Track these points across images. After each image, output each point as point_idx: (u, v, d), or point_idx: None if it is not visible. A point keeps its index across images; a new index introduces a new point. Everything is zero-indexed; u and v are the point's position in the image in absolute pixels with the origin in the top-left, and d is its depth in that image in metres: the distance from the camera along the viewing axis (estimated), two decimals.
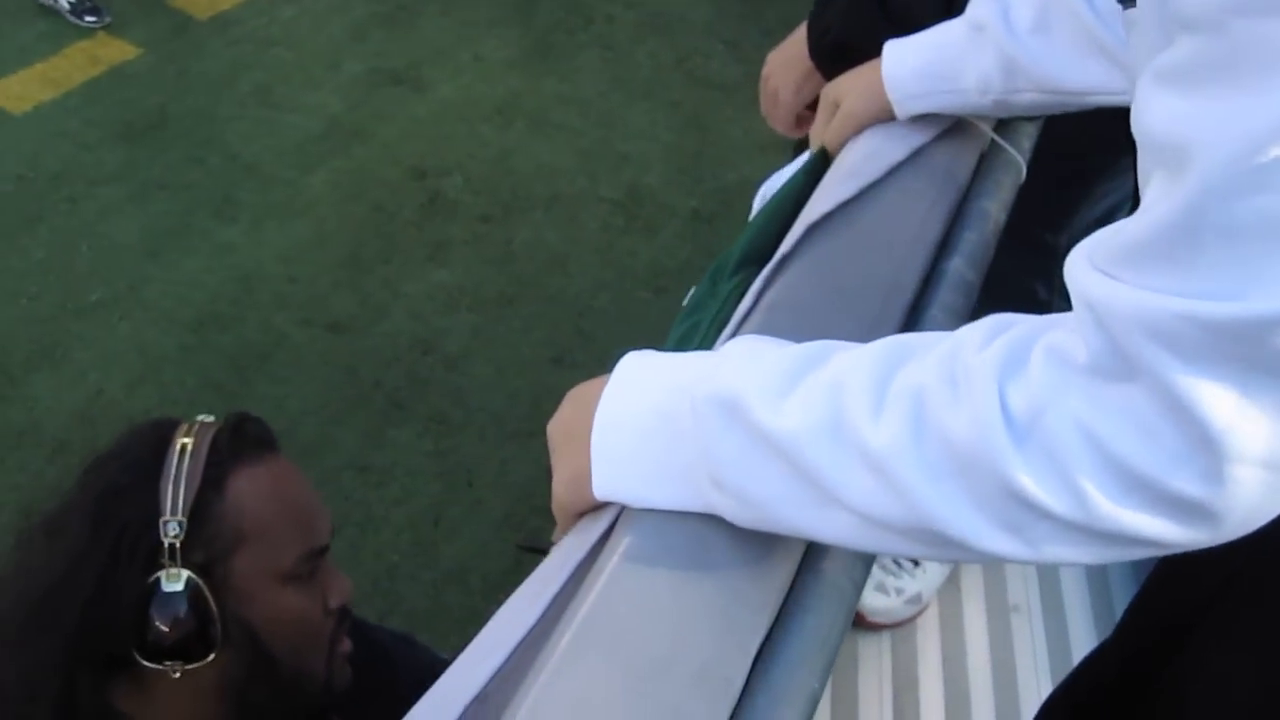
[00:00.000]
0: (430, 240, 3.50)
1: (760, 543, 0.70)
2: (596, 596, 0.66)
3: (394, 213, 3.58)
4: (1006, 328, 0.63)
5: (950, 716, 1.59)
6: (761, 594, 0.67)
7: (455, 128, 3.92)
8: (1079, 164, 1.29)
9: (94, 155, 3.68)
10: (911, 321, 0.88)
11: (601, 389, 0.79)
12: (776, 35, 1.61)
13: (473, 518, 2.81)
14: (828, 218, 0.92)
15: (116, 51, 4.08)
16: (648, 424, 0.72)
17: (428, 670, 1.36)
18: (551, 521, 3.15)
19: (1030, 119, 1.12)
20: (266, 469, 1.15)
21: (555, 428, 0.83)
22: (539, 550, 1.34)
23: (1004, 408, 0.58)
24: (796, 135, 1.53)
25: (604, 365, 3.09)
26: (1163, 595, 1.16)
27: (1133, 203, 1.64)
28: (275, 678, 1.13)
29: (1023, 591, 1.72)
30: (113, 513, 1.07)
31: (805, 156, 1.18)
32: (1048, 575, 1.75)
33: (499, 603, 2.95)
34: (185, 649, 1.07)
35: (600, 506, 0.79)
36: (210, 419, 1.17)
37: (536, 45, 4.35)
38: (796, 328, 0.83)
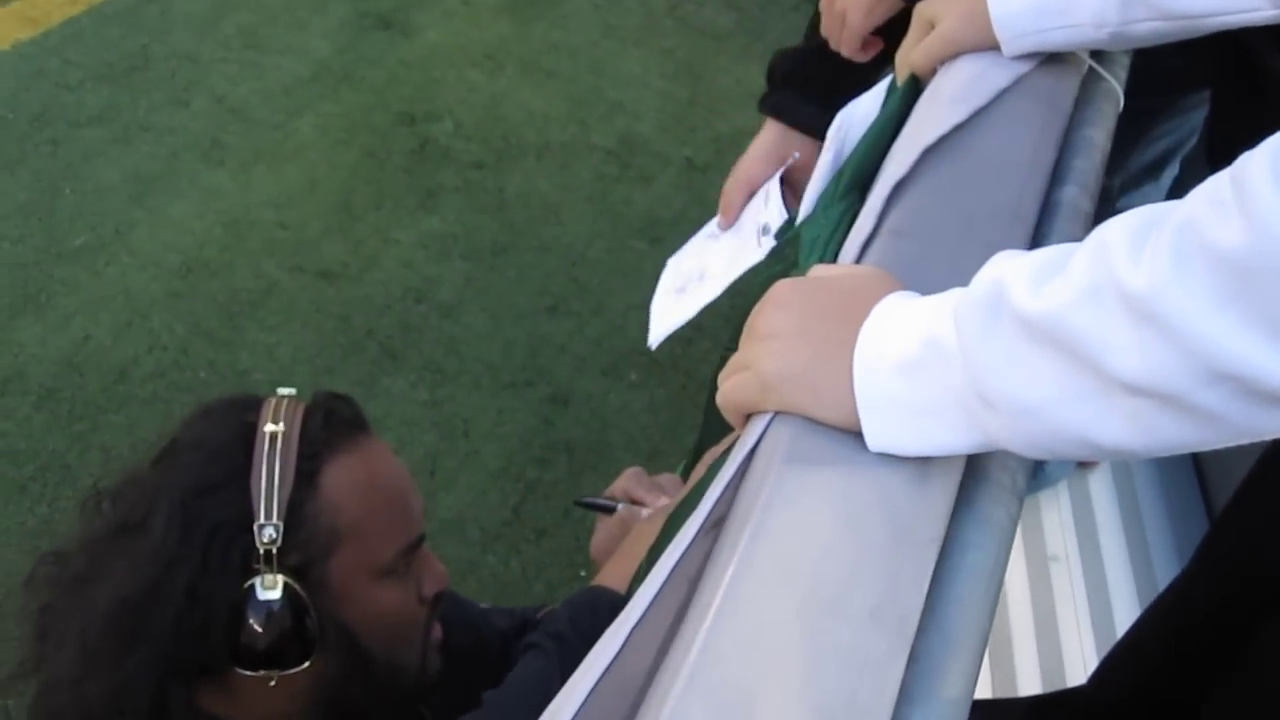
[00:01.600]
0: (421, 187, 3.44)
1: (919, 475, 0.66)
2: (756, 529, 0.62)
3: (384, 159, 3.51)
4: None
5: (993, 662, 1.57)
6: (928, 529, 0.64)
7: (445, 73, 3.85)
8: (1140, 103, 1.25)
9: (75, 96, 3.59)
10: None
11: (834, 301, 0.73)
12: None
13: (469, 468, 2.77)
14: (941, 141, 0.88)
15: None
16: (915, 355, 0.66)
17: (479, 622, 1.35)
18: (548, 471, 3.13)
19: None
20: (361, 457, 1.06)
21: (760, 324, 0.75)
22: (602, 508, 1.31)
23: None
24: (863, 59, 1.47)
25: (599, 315, 3.07)
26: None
27: (1203, 140, 1.61)
28: (371, 675, 1.07)
29: (1060, 542, 1.71)
30: (201, 514, 0.99)
31: (885, 82, 1.13)
32: (1085, 526, 1.73)
33: (496, 553, 2.94)
34: (281, 656, 1.01)
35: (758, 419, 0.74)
36: (293, 394, 1.08)
37: None
38: (924, 256, 0.79)
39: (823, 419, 0.69)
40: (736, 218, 1.44)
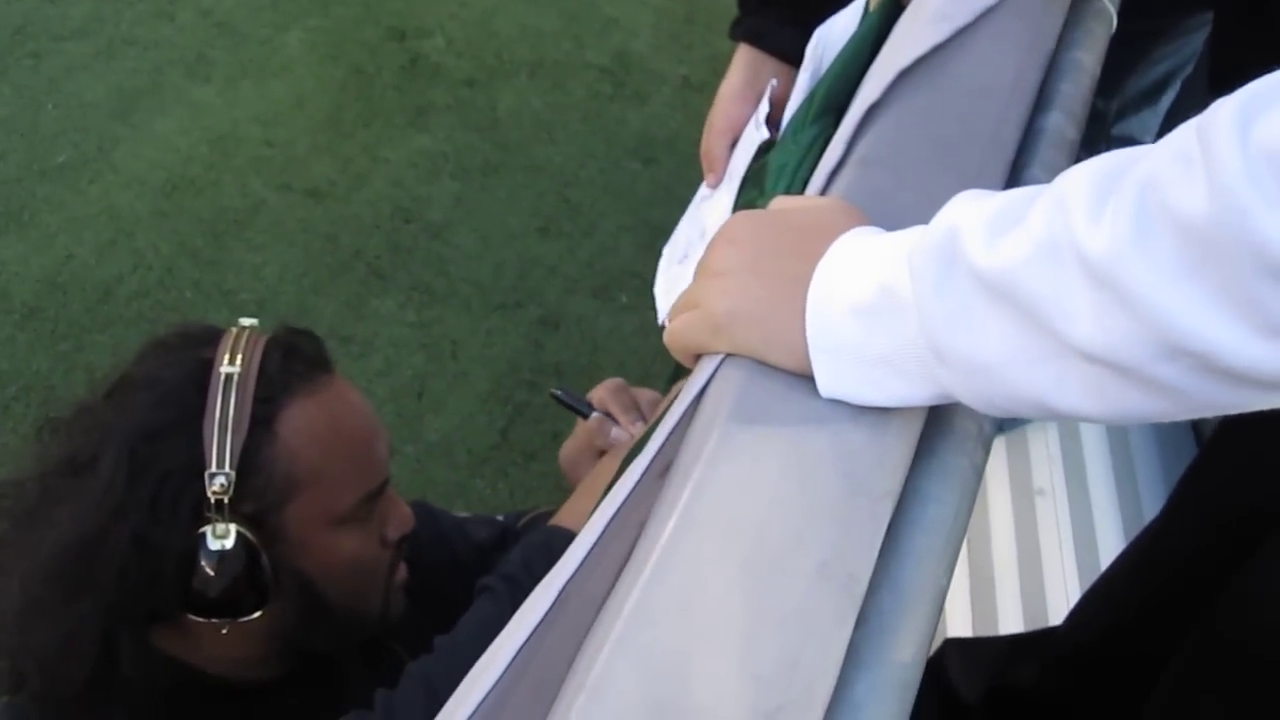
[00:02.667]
0: (411, 105, 3.37)
1: (877, 424, 0.62)
2: (700, 481, 0.58)
3: (374, 75, 3.44)
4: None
5: (974, 599, 1.55)
6: (884, 481, 0.60)
7: None
8: (1137, 25, 1.20)
9: (57, 9, 3.51)
10: (1011, 181, 0.80)
11: (790, 237, 0.69)
12: None
13: (457, 390, 2.74)
14: (918, 63, 0.83)
15: None
16: (869, 300, 0.61)
17: (453, 536, 1.32)
18: (537, 395, 3.09)
19: None
20: (322, 400, 1.01)
21: (712, 260, 0.71)
22: (575, 409, 1.27)
23: (1247, 159, 0.47)
24: None
25: (591, 237, 2.99)
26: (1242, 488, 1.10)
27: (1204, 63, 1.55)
28: (329, 621, 1.03)
29: (1047, 475, 1.67)
30: (151, 460, 0.94)
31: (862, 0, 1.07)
32: (1073, 458, 1.70)
33: (484, 476, 2.91)
34: (234, 605, 0.98)
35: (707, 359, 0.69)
36: (254, 325, 1.03)
37: None
38: (895, 186, 0.75)
39: (775, 363, 0.65)
40: (725, 169, 1.35)
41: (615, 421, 1.21)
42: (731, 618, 0.53)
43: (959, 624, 1.54)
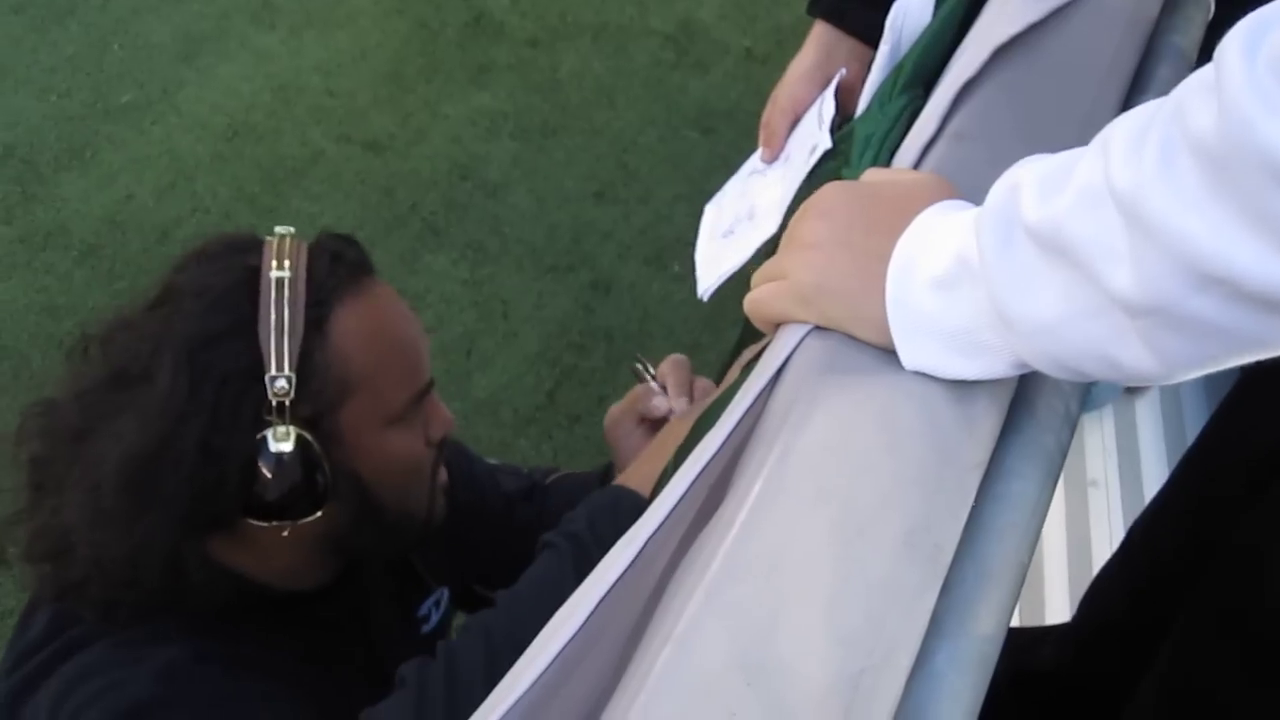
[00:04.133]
0: (474, 62, 3.38)
1: (964, 397, 0.62)
2: (788, 445, 0.58)
3: (438, 30, 3.44)
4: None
5: (1023, 590, 1.54)
6: (972, 453, 0.60)
7: None
8: (1235, 12, 1.18)
9: None
10: None
11: (881, 211, 0.68)
12: None
13: (506, 350, 2.75)
14: (1014, 41, 0.82)
15: None
16: (947, 271, 0.61)
17: (484, 481, 1.36)
18: (585, 358, 3.09)
19: None
20: (369, 302, 1.03)
21: (803, 231, 0.71)
22: (642, 376, 1.28)
23: (1253, 72, 0.46)
24: None
25: (646, 204, 2.97)
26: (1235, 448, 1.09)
27: None
28: (381, 522, 1.05)
29: (1101, 467, 1.66)
30: (209, 365, 0.95)
31: None
32: (1128, 452, 1.69)
33: (529, 437, 2.92)
34: (294, 508, 0.99)
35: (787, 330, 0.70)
36: (291, 232, 1.02)
37: None
38: (989, 161, 0.74)
39: (861, 336, 0.65)
40: (782, 147, 1.33)
41: (663, 392, 1.23)
42: (819, 580, 0.53)
43: None
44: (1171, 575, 1.20)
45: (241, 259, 0.99)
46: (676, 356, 1.29)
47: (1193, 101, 0.50)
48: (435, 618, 1.27)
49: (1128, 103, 0.85)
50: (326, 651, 1.09)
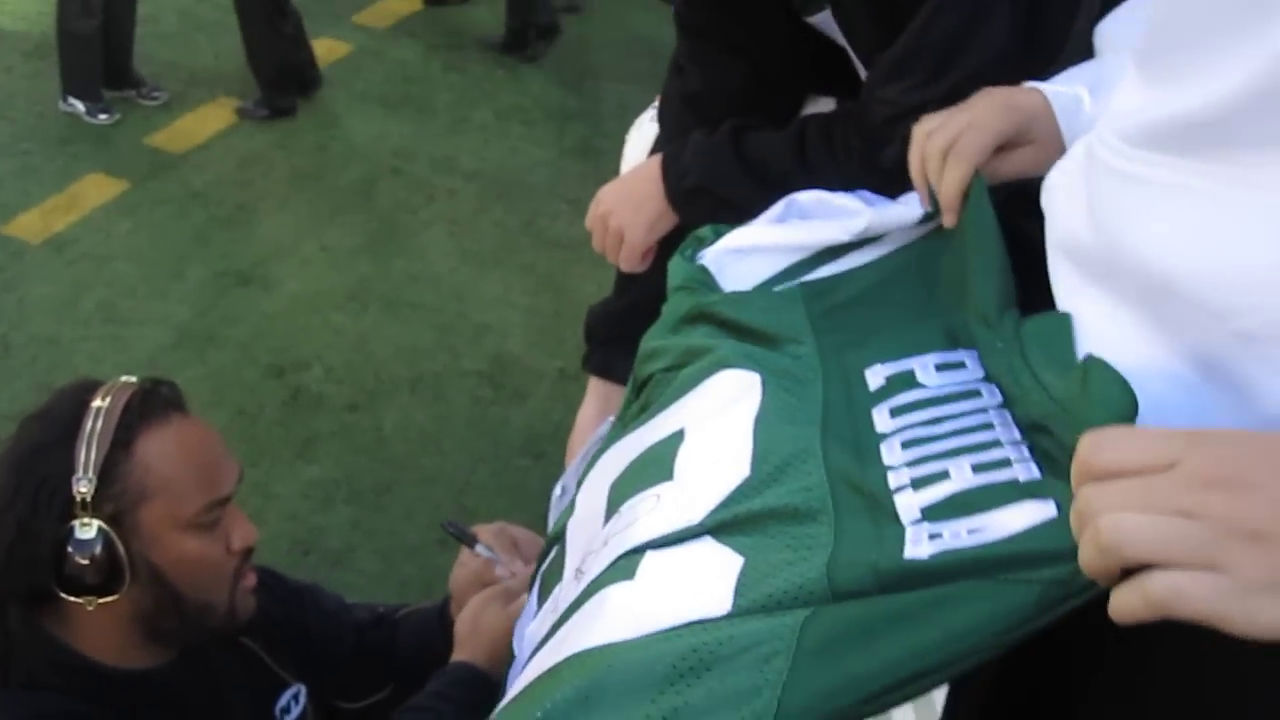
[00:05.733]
0: (297, 438, 3.42)
1: None
2: None
3: (256, 414, 3.50)
4: None
5: None
6: None
7: (309, 320, 3.86)
8: None
9: None
10: None
11: None
12: None
13: None
14: None
15: None
16: None
17: (337, 609, 1.67)
18: None
19: None
20: (173, 430, 1.31)
21: (1233, 511, 0.54)
22: (463, 539, 1.57)
23: None
24: (641, 269, 1.53)
25: None
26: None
27: None
28: (181, 609, 1.32)
29: None
30: (34, 468, 1.25)
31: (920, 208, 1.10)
32: None
33: None
34: (98, 586, 1.26)
35: None
36: (131, 380, 1.33)
37: (381, 228, 4.33)
38: None
39: None
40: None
41: (497, 558, 1.56)
42: None
43: None
44: None
45: (82, 395, 1.30)
46: (497, 525, 1.63)
47: None
48: (295, 711, 1.52)
49: None
50: None
